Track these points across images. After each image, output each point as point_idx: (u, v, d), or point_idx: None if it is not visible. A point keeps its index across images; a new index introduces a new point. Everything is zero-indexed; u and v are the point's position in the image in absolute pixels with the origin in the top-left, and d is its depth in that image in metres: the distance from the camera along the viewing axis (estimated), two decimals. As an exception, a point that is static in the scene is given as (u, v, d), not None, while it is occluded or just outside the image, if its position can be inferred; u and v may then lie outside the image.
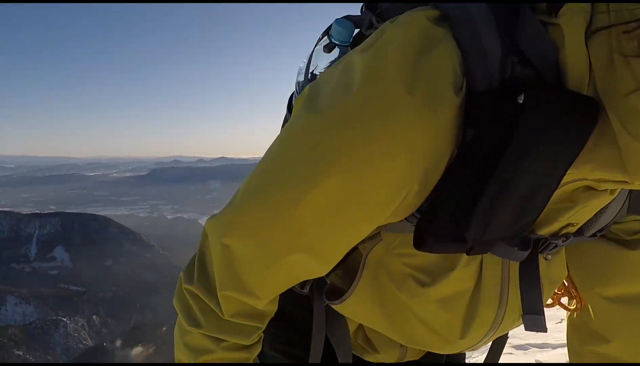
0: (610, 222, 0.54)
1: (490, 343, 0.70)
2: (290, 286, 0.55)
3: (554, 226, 0.50)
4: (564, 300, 0.72)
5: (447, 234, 0.43)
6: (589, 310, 0.65)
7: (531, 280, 0.52)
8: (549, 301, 0.70)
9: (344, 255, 0.51)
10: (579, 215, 0.49)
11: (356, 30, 0.59)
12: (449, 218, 0.42)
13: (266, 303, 0.55)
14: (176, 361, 0.66)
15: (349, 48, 0.58)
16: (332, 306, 0.63)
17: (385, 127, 0.39)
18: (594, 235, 0.55)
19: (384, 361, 0.71)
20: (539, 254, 0.52)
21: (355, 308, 0.62)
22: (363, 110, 0.40)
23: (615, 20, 0.33)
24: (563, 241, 0.52)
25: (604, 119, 0.36)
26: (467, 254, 0.45)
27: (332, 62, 0.59)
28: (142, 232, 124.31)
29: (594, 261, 0.62)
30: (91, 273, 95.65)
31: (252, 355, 0.59)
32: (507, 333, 0.71)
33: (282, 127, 0.77)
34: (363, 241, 0.55)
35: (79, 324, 70.67)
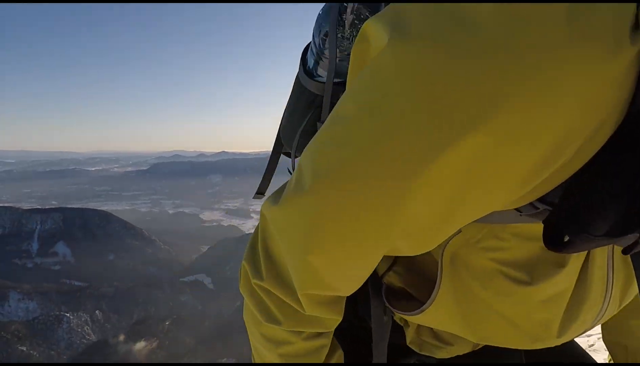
0: None
1: None
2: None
3: None
4: None
5: (608, 230, 0.32)
6: None
7: None
8: None
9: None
10: None
11: None
12: (614, 211, 0.30)
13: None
14: (252, 348, 0.66)
15: None
16: (406, 316, 0.56)
17: (548, 62, 0.26)
18: None
19: (457, 354, 0.65)
20: None
21: (430, 315, 0.54)
22: (512, 34, 0.27)
23: None
24: None
25: None
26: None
27: None
28: (144, 227, 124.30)
29: None
30: (93, 268, 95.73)
31: (330, 338, 0.58)
32: None
33: (294, 85, 0.75)
34: None
35: (82, 319, 70.68)
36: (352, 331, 0.64)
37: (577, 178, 0.32)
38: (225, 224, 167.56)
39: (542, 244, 0.37)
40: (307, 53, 0.74)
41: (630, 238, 0.33)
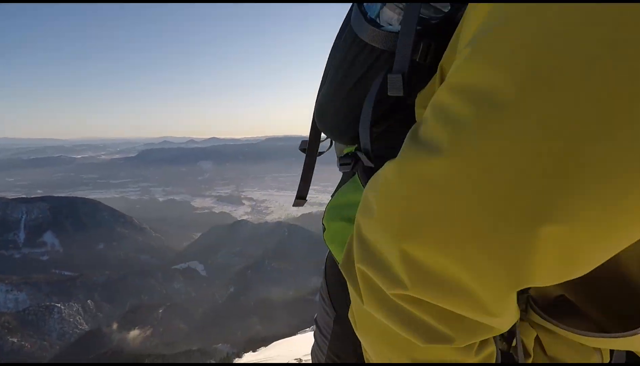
0: None
1: None
2: None
3: None
4: None
5: None
6: None
7: None
8: None
9: None
10: None
11: None
12: None
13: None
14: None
15: None
16: (589, 339, 0.39)
17: None
18: None
19: None
20: None
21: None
22: None
23: None
24: None
25: None
26: None
27: None
28: (134, 215, 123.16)
29: None
30: (83, 257, 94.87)
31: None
32: None
33: (339, 47, 0.58)
34: None
35: (74, 309, 70.29)
36: None
37: None
38: (217, 211, 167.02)
39: None
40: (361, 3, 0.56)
41: None
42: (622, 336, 0.37)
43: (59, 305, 68.02)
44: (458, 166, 0.29)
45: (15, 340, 57.56)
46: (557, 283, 0.31)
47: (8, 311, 65.54)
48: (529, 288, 0.42)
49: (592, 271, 0.31)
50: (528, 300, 0.42)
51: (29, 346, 58.25)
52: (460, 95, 0.30)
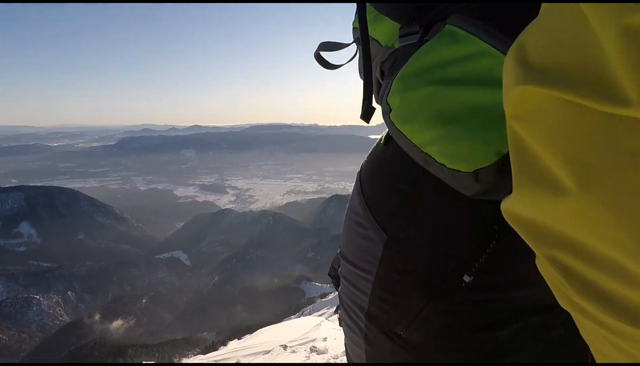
0: None
1: None
2: None
3: None
4: None
5: None
6: None
7: None
8: None
9: None
10: None
11: None
12: None
13: None
14: None
15: None
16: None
17: None
18: None
19: None
20: None
21: None
22: None
23: None
24: None
25: None
26: None
27: None
28: (115, 204, 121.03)
29: None
30: (62, 248, 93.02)
31: None
32: None
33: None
34: None
35: (54, 300, 69.16)
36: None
37: None
38: (200, 200, 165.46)
39: None
40: None
41: None
42: None
43: (38, 297, 66.81)
44: None
45: (-8, 333, 56.43)
46: None
47: (-16, 303, 64.01)
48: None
49: None
50: None
51: (7, 338, 57.22)
52: None
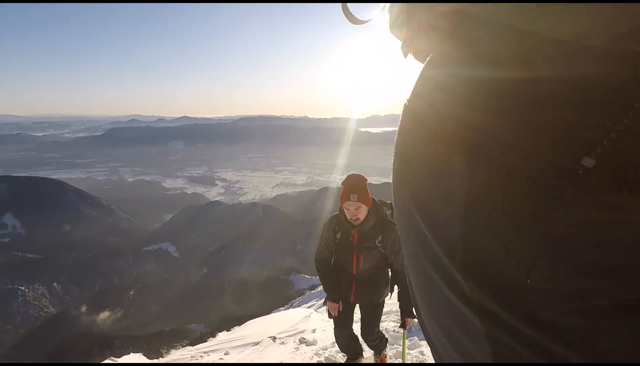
0: None
1: None
2: None
3: None
4: None
5: None
6: None
7: None
8: None
9: None
10: None
11: None
12: None
13: None
14: None
15: None
16: None
17: None
18: None
19: None
20: None
21: None
22: None
23: None
24: None
25: None
26: None
27: None
28: (102, 196, 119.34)
29: None
30: (48, 239, 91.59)
31: None
32: None
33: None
34: None
35: (39, 292, 68.25)
36: None
37: None
38: (189, 192, 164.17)
39: None
40: None
41: None
42: None
43: (23, 288, 65.90)
44: None
45: (-25, 325, 55.61)
46: None
47: (-33, 295, 62.96)
48: None
49: None
50: None
51: (-9, 330, 56.50)
52: None
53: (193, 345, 5.42)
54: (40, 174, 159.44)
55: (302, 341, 3.70)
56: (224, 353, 3.99)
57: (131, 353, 5.00)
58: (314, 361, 2.96)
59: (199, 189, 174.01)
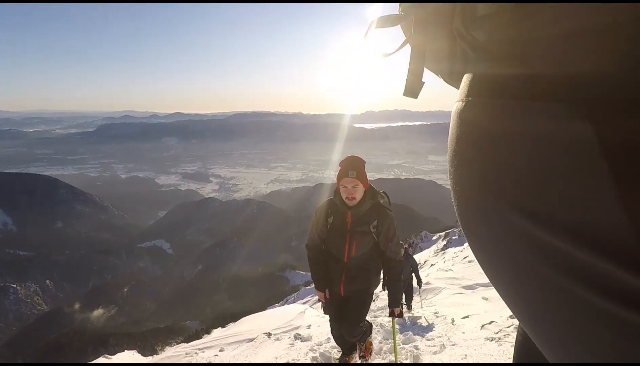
0: None
1: None
2: None
3: None
4: None
5: None
6: None
7: None
8: None
9: None
10: None
11: None
12: None
13: None
14: None
15: None
16: None
17: None
18: None
19: None
20: None
21: None
22: None
23: None
24: None
25: None
26: None
27: None
28: (94, 192, 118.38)
29: None
30: (40, 236, 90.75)
31: None
32: None
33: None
34: None
35: (31, 289, 67.67)
36: None
37: None
38: (183, 189, 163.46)
39: None
40: None
41: None
42: None
43: (15, 286, 65.28)
44: None
45: (-33, 323, 55.06)
46: None
47: (-43, 293, 62.27)
48: None
49: None
50: None
51: (-17, 329, 55.98)
52: None
53: (188, 342, 5.42)
54: (32, 170, 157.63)
55: (297, 337, 3.71)
56: (218, 349, 3.99)
57: (125, 351, 4.99)
58: (309, 356, 2.97)
59: (193, 186, 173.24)
